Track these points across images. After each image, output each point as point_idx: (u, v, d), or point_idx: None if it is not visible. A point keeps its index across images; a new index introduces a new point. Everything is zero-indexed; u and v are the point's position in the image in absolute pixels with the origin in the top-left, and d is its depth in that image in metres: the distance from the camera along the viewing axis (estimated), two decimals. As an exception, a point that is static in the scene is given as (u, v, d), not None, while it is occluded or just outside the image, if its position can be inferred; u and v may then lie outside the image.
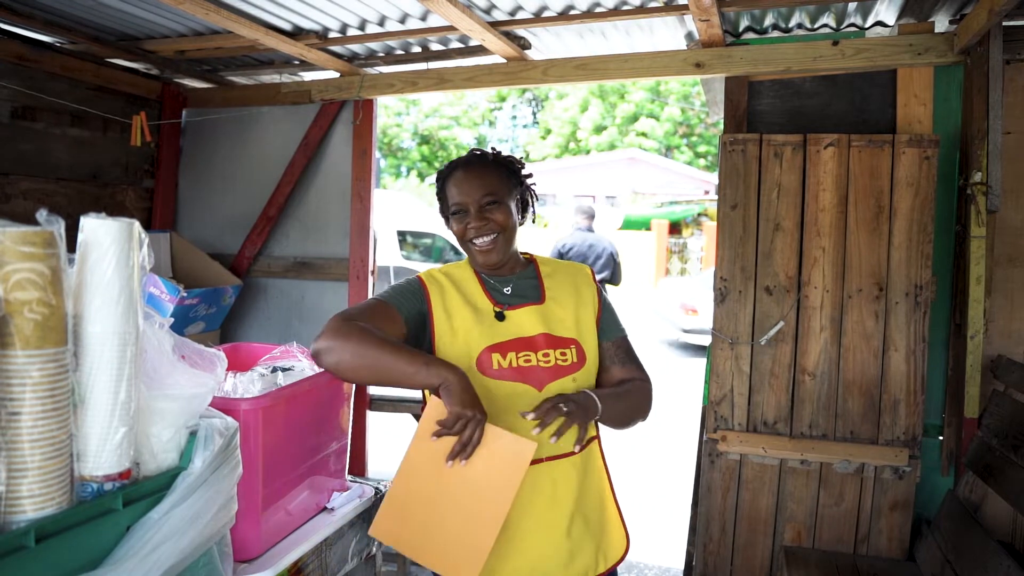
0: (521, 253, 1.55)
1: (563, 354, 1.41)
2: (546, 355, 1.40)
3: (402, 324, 1.37)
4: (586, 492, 1.44)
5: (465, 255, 1.51)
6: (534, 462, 1.32)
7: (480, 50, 2.93)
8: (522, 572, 1.38)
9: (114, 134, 3.33)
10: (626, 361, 1.51)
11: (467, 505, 1.24)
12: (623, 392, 1.45)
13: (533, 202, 1.58)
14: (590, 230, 5.84)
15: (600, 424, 1.45)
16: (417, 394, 1.55)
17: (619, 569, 1.53)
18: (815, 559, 2.33)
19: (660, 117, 21.60)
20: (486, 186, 1.43)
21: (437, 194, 1.51)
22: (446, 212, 1.48)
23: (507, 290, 1.47)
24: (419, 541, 1.27)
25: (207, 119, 3.55)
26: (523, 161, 1.56)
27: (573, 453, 1.39)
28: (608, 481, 1.50)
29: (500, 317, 1.42)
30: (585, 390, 1.36)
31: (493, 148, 1.55)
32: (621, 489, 1.53)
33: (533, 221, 1.62)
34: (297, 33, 2.82)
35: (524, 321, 1.42)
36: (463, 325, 1.40)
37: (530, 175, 1.56)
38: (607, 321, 1.51)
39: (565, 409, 1.27)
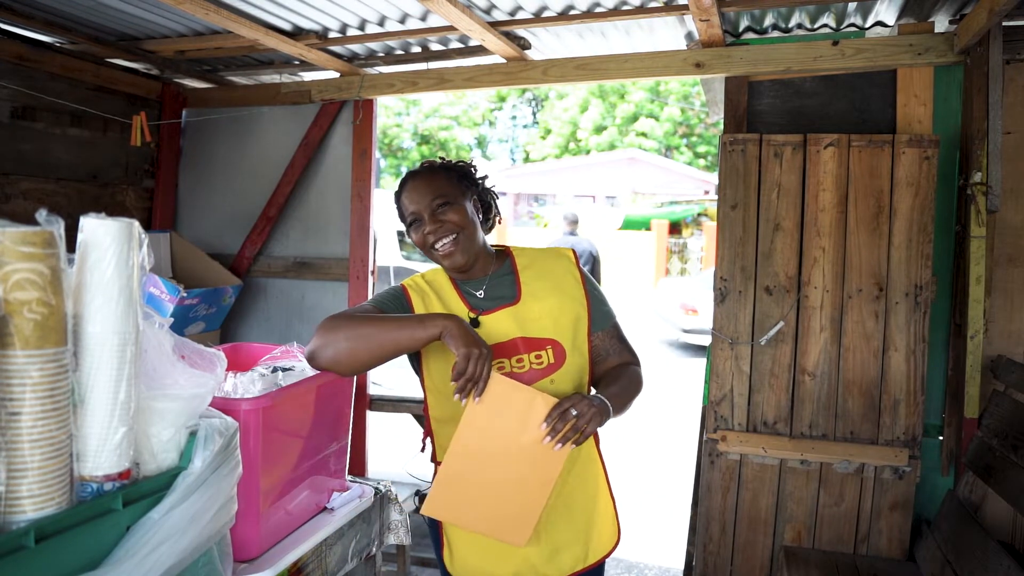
0: (495, 247, 1.55)
1: (538, 357, 1.42)
2: (520, 360, 1.41)
3: None
4: (574, 485, 1.45)
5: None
6: None
7: (480, 50, 2.93)
8: (502, 568, 1.38)
9: (114, 134, 3.33)
10: (621, 350, 1.53)
11: (518, 473, 1.30)
12: (625, 387, 1.46)
13: (495, 203, 1.57)
14: (573, 234, 7.02)
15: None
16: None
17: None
18: (815, 559, 2.33)
19: (660, 117, 21.58)
20: (435, 190, 1.43)
21: (397, 212, 1.50)
22: (407, 226, 1.48)
23: (480, 293, 1.47)
24: (473, 513, 1.34)
25: (207, 119, 3.55)
26: (475, 165, 1.56)
27: None
28: (603, 473, 1.51)
29: (475, 324, 1.41)
30: (599, 395, 1.36)
31: (442, 156, 1.55)
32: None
33: (499, 222, 1.62)
34: (297, 33, 2.82)
35: (499, 326, 1.42)
36: None
37: (485, 177, 1.56)
38: (597, 311, 1.51)
39: (575, 413, 1.27)
